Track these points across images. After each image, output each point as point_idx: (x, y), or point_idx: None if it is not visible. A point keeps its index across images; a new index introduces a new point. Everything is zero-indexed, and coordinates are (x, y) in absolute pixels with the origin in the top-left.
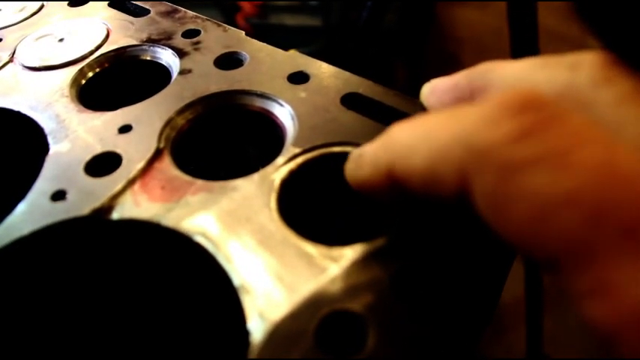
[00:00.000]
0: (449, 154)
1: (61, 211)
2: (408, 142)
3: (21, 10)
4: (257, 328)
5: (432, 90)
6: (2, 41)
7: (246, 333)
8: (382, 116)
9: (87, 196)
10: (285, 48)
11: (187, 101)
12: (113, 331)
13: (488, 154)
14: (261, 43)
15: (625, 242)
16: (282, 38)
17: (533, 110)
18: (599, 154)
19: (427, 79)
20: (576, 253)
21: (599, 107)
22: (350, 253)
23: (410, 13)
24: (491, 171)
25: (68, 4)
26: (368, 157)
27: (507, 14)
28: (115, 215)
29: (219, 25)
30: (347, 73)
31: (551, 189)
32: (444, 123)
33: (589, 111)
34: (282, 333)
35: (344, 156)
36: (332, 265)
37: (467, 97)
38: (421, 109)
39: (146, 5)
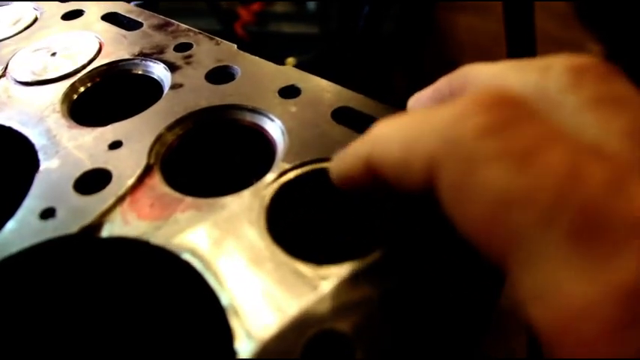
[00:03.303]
0: (421, 143)
1: (50, 230)
2: (385, 133)
3: (15, 23)
4: (244, 348)
5: (417, 100)
6: None
7: (233, 353)
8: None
9: (76, 213)
10: (284, 56)
11: (178, 116)
12: (101, 349)
13: (456, 145)
14: (253, 56)
15: (573, 246)
16: (280, 46)
17: (503, 108)
18: (562, 158)
19: (426, 86)
20: (523, 254)
21: (564, 111)
22: (339, 272)
23: (408, 21)
24: (456, 162)
25: (62, 18)
26: (349, 150)
27: (504, 19)
28: (104, 233)
29: (211, 39)
30: (338, 87)
31: (507, 185)
32: (421, 117)
33: (555, 114)
34: (270, 354)
35: None
36: (320, 284)
37: (447, 99)
38: None
39: (139, 19)
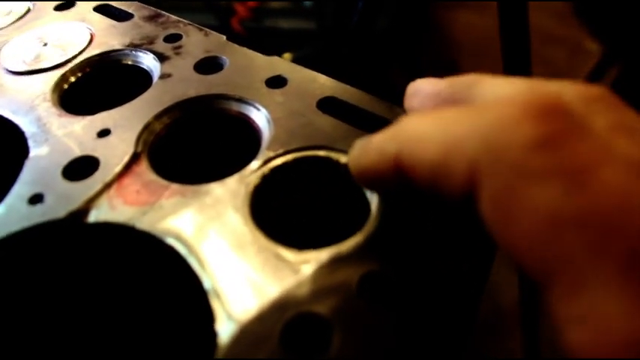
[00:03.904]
0: (464, 147)
1: (38, 215)
2: (420, 131)
3: (7, 14)
4: (225, 330)
5: (416, 92)
6: None
7: (214, 334)
8: (358, 120)
9: (64, 199)
10: (280, 51)
11: (166, 106)
12: (86, 330)
13: (505, 154)
14: (241, 47)
15: (626, 280)
16: (276, 41)
17: (555, 118)
18: (618, 178)
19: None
20: (570, 277)
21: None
22: (319, 257)
23: (402, 17)
24: (503, 173)
25: (54, 9)
26: (375, 144)
27: (498, 16)
28: (91, 218)
29: (200, 30)
30: (324, 77)
31: (560, 206)
32: (463, 116)
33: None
34: (249, 335)
35: (317, 159)
36: (301, 268)
37: (449, 105)
38: (398, 113)
39: (130, 10)
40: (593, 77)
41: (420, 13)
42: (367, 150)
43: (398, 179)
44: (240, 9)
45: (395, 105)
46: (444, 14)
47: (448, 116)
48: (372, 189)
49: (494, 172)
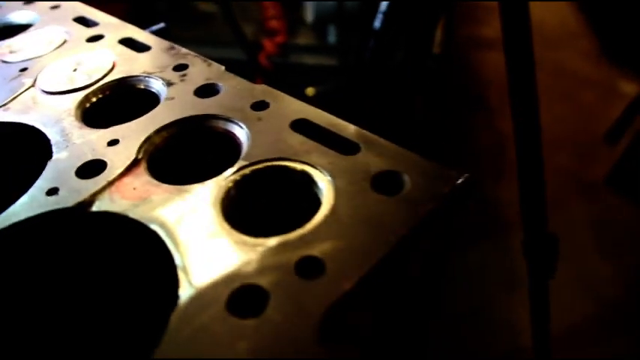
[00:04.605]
0: None
1: (53, 203)
2: None
3: (48, 44)
4: (185, 294)
5: None
6: (27, 70)
7: (177, 297)
8: (323, 139)
9: (75, 192)
10: (304, 86)
11: (165, 122)
12: (85, 290)
13: None
14: (236, 77)
15: None
16: (301, 76)
17: None
18: None
19: (450, 116)
20: None
21: None
22: (268, 242)
23: (414, 50)
24: None
25: (86, 40)
26: None
27: (503, 47)
28: (94, 208)
29: (204, 61)
30: (300, 103)
31: None
32: None
33: None
34: (202, 298)
35: (279, 168)
36: (252, 250)
37: None
38: (365, 136)
39: (149, 43)
40: (624, 119)
41: (427, 45)
42: None
43: None
44: (268, 45)
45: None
46: (475, 54)
47: None
48: None
49: None
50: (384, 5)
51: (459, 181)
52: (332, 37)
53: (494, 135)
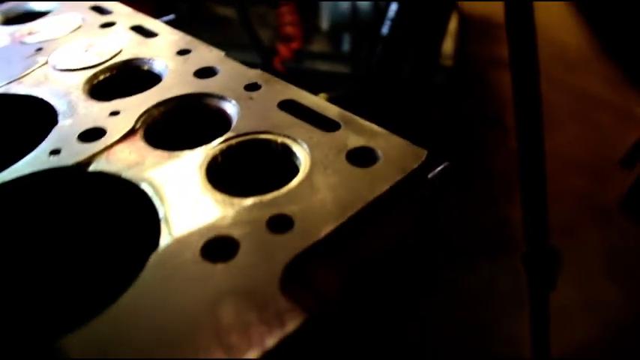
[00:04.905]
0: None
1: (54, 162)
2: None
3: (64, 28)
4: (164, 241)
5: None
6: (42, 50)
7: (157, 245)
8: (307, 117)
9: (75, 154)
10: (316, 92)
11: (165, 98)
12: (75, 237)
13: None
14: (235, 61)
15: None
16: (314, 82)
17: None
18: None
19: (465, 133)
20: None
21: None
22: (245, 201)
23: (421, 58)
24: None
25: (99, 26)
26: None
27: (509, 63)
28: (91, 168)
29: (207, 47)
30: (291, 87)
31: None
32: None
33: None
34: (179, 245)
35: (264, 140)
36: (229, 207)
37: None
38: (346, 117)
39: (157, 30)
40: None
41: (434, 55)
42: None
43: None
44: (283, 50)
45: (348, 112)
46: (493, 74)
47: None
48: None
49: None
50: (392, 12)
51: (423, 159)
52: (346, 46)
53: (509, 155)
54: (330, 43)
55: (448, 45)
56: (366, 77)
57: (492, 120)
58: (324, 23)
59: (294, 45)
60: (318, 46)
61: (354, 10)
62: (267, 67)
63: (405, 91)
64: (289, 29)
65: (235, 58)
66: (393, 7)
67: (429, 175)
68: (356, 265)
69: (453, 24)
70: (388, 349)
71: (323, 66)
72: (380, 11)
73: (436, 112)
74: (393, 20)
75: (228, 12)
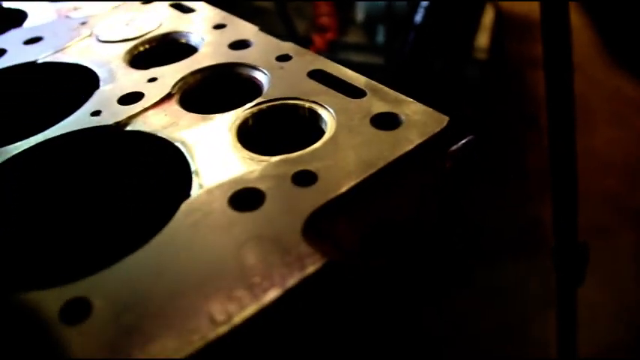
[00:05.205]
0: None
1: (95, 122)
2: None
3: (107, 4)
4: (195, 192)
5: None
6: (86, 23)
7: (189, 195)
8: (334, 85)
9: (114, 115)
10: None
11: (200, 67)
12: (112, 189)
13: None
14: (268, 36)
15: None
16: None
17: None
18: None
19: (502, 132)
20: None
21: None
22: (272, 159)
23: (454, 48)
24: None
25: (141, 2)
26: None
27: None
28: (129, 128)
29: (242, 22)
30: (321, 58)
31: None
32: None
33: None
34: (208, 195)
35: (293, 105)
36: (258, 164)
37: None
38: (374, 87)
39: (195, 7)
40: None
41: (492, 59)
42: None
43: None
44: (318, 40)
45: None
46: (530, 74)
47: None
48: None
49: None
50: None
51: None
52: (380, 37)
53: (544, 155)
54: (365, 35)
55: (483, 39)
56: (399, 67)
57: (529, 119)
58: (359, 15)
59: (329, 36)
60: (353, 37)
61: (389, 1)
62: None
63: (437, 81)
64: (325, 20)
65: None
66: None
67: (453, 148)
68: (375, 224)
69: (488, 18)
70: (400, 327)
71: (357, 57)
72: (415, 3)
73: (468, 105)
74: (427, 8)
75: (265, 4)
